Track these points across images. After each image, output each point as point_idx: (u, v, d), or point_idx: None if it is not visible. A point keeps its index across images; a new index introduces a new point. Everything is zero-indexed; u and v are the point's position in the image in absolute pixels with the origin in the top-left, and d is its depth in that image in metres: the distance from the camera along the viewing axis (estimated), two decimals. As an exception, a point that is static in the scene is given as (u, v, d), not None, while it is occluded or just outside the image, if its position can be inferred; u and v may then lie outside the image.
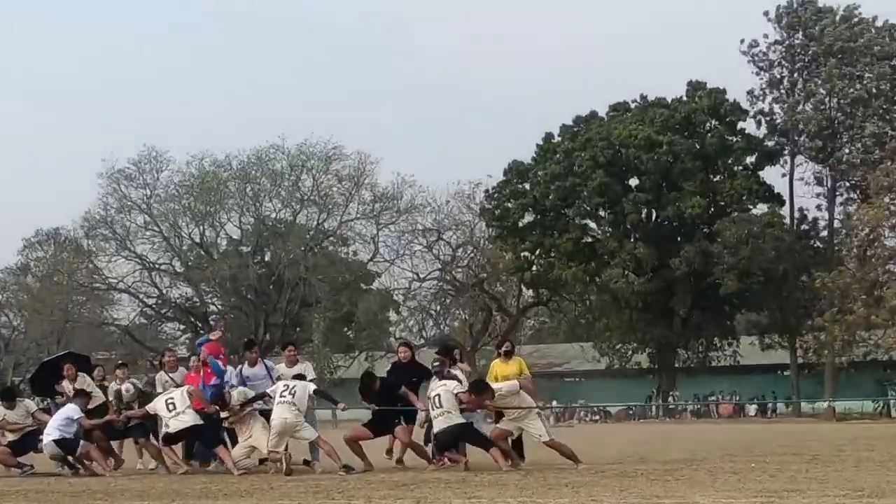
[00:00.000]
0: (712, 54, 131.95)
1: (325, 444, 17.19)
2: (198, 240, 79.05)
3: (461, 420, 16.65)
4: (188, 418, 17.66)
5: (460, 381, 17.27)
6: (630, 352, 76.64)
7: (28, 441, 19.09)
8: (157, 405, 18.13)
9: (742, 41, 69.99)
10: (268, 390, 17.69)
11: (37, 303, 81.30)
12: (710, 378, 75.68)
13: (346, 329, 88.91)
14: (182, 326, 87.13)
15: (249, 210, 78.97)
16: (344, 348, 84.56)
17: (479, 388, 16.78)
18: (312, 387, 17.61)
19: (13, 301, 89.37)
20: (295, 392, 17.06)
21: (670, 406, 70.92)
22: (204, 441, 18.10)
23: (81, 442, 18.28)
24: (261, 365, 18.78)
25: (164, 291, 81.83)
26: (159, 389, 19.66)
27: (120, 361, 23.94)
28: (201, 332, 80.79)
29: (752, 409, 70.74)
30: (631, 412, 70.97)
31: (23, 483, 15.97)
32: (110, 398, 19.61)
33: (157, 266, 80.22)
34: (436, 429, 16.89)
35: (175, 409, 17.76)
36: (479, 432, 17.12)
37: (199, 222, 78.38)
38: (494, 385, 16.92)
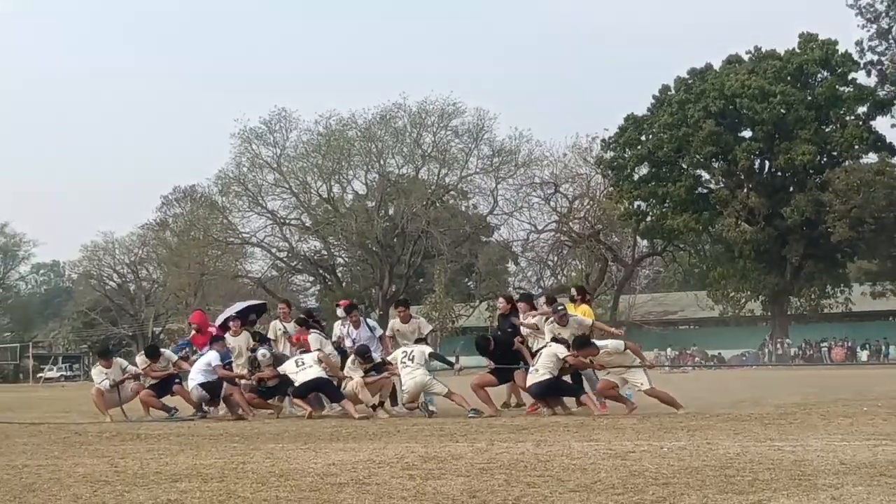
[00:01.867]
0: (823, 5, 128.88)
1: (457, 396, 17.56)
2: (325, 196, 79.86)
3: (547, 377, 16.70)
4: (313, 372, 17.99)
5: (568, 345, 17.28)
6: (743, 300, 75.88)
7: (168, 384, 19.52)
8: (286, 366, 18.43)
9: (848, -6, 69.03)
10: (388, 358, 18.12)
11: (175, 257, 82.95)
12: (822, 325, 74.74)
13: (466, 279, 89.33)
14: (311, 278, 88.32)
15: (374, 167, 79.59)
16: (465, 298, 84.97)
17: (582, 344, 16.73)
18: (429, 350, 18.02)
19: (153, 255, 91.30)
20: (413, 357, 17.52)
21: (781, 352, 70.15)
22: (328, 394, 18.38)
23: (224, 385, 18.76)
24: (364, 326, 18.91)
25: (294, 245, 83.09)
26: (271, 336, 20.11)
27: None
28: (329, 283, 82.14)
29: (863, 354, 69.62)
30: (744, 358, 70.34)
31: (163, 427, 16.31)
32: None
33: (287, 221, 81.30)
34: (528, 383, 17.10)
35: (303, 364, 18.11)
36: (566, 384, 17.15)
37: (326, 179, 79.20)
38: (600, 343, 16.85)
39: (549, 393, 17.08)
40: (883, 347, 70.67)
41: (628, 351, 16.79)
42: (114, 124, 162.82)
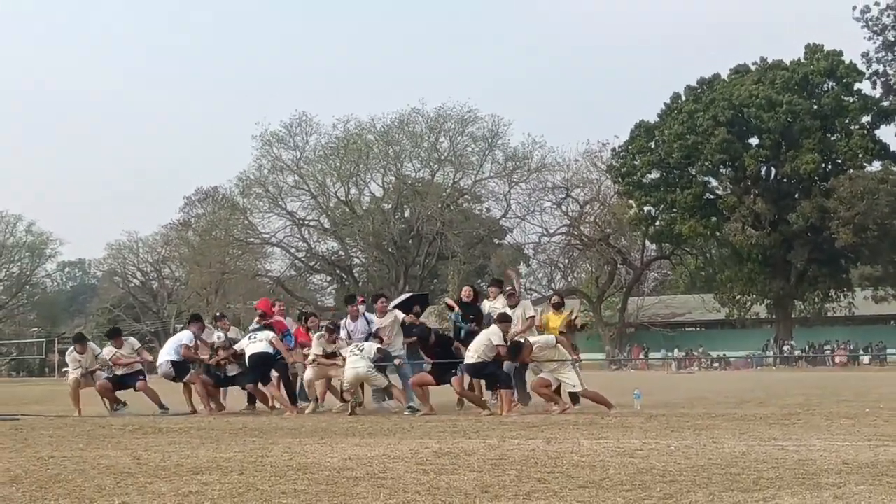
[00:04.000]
0: (829, 18, 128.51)
1: (396, 391, 18.22)
2: (343, 198, 79.88)
3: (477, 360, 16.75)
4: (262, 346, 18.58)
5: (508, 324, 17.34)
6: (749, 303, 75.71)
7: (130, 378, 19.75)
8: (241, 343, 19.14)
9: (854, 7, 68.93)
10: (340, 351, 18.36)
11: (197, 256, 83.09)
12: (825, 328, 74.56)
13: (479, 281, 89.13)
14: (329, 278, 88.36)
15: (391, 170, 79.61)
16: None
17: (514, 351, 16.79)
18: (376, 346, 18.14)
19: (176, 254, 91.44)
20: (363, 349, 17.88)
21: (786, 354, 69.98)
22: (270, 370, 18.87)
23: (191, 371, 19.32)
24: (362, 319, 18.98)
25: (313, 245, 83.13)
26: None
27: (218, 313, 24.41)
28: (346, 283, 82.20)
29: (865, 357, 69.40)
30: (749, 360, 70.17)
31: (184, 421, 16.35)
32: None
33: (306, 222, 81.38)
34: (464, 363, 17.28)
35: (255, 338, 18.81)
36: (495, 371, 16.92)
37: (344, 181, 79.26)
38: (532, 339, 17.02)
39: (481, 373, 17.13)
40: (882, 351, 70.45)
41: (559, 346, 16.95)
42: (138, 127, 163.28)
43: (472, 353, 16.82)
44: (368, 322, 18.95)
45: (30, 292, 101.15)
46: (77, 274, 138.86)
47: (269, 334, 18.88)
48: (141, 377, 19.86)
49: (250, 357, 18.58)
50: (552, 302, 19.75)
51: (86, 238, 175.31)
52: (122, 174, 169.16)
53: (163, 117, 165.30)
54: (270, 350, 18.65)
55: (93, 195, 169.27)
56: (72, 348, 20.39)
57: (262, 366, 18.71)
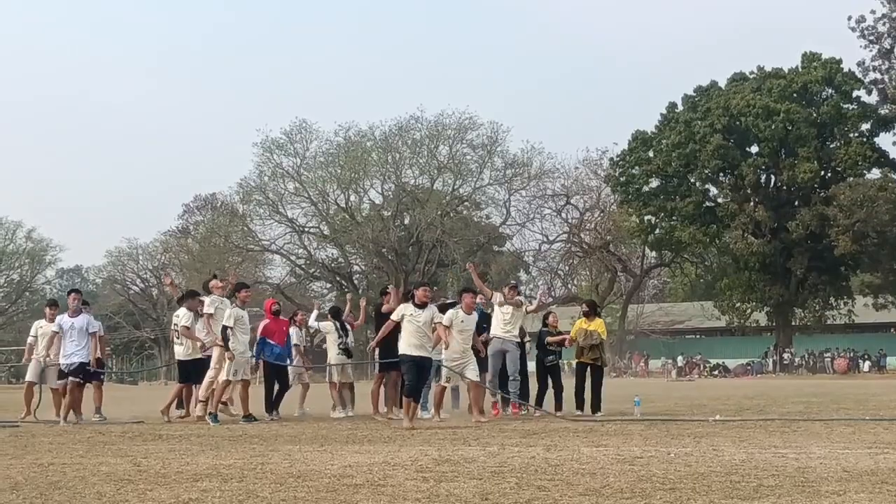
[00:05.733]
0: (826, 26, 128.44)
1: (242, 388, 17.79)
2: (343, 205, 79.83)
3: (424, 354, 16.19)
4: (181, 351, 18.12)
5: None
6: (749, 310, 75.77)
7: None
8: (180, 312, 18.30)
9: (850, 17, 69.03)
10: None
11: (196, 263, 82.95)
12: (825, 336, 74.54)
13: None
14: (328, 285, 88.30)
15: (390, 177, 79.52)
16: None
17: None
18: (237, 314, 17.40)
19: (175, 261, 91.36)
20: (226, 314, 17.34)
21: (786, 362, 70.00)
22: (184, 376, 18.47)
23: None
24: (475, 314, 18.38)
25: (313, 252, 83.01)
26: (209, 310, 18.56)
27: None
28: (346, 289, 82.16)
29: (865, 365, 69.40)
30: (748, 367, 70.25)
31: (185, 428, 16.33)
32: None
33: (306, 229, 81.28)
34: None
35: (178, 336, 18.17)
36: (425, 374, 16.55)
37: (344, 188, 79.20)
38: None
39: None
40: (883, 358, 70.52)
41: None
42: (135, 135, 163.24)
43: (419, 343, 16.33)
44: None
45: (29, 299, 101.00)
46: (76, 281, 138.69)
47: (186, 320, 17.95)
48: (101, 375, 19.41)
49: (178, 362, 18.34)
50: (582, 310, 19.55)
51: (85, 245, 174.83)
52: (120, 180, 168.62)
53: (162, 124, 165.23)
54: (184, 358, 18.14)
55: (91, 202, 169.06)
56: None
57: (184, 372, 18.38)
